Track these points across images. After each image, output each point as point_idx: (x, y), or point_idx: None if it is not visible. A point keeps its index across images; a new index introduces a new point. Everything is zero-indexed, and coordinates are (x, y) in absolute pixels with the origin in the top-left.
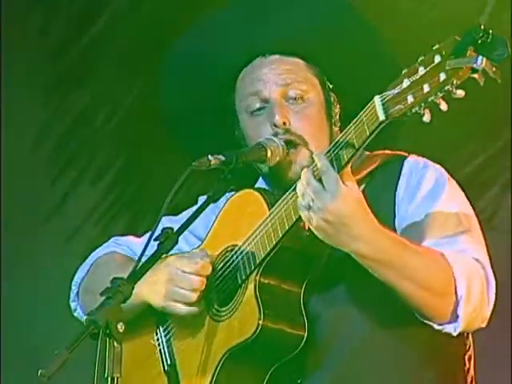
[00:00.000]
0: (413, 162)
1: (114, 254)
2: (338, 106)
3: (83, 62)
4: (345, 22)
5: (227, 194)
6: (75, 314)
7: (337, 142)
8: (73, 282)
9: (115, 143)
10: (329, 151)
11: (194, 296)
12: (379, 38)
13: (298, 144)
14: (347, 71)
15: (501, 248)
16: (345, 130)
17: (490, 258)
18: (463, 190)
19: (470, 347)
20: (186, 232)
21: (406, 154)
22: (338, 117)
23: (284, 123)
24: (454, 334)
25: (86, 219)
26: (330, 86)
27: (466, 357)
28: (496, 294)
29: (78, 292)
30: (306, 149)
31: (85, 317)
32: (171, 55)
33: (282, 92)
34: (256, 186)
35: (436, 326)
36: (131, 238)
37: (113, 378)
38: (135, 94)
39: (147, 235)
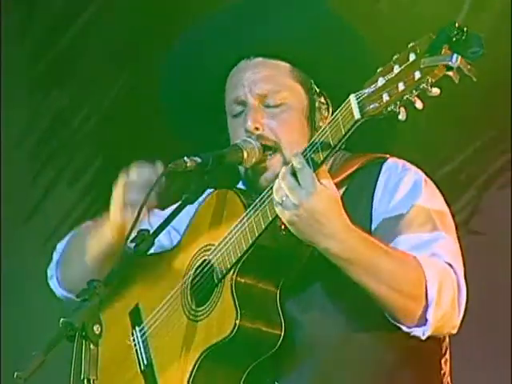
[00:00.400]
0: (392, 164)
1: (90, 223)
2: (326, 110)
3: (64, 62)
4: (330, 27)
5: (209, 190)
6: (49, 282)
7: (313, 142)
8: (54, 251)
9: (93, 144)
10: (305, 150)
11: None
12: (362, 41)
13: (272, 148)
14: (335, 75)
15: (477, 250)
16: (321, 130)
17: (466, 261)
18: (440, 192)
19: (446, 351)
20: (169, 228)
21: (387, 156)
22: (324, 121)
23: (257, 128)
24: (423, 337)
25: (63, 220)
26: (317, 91)
27: (443, 360)
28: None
29: (58, 261)
30: (280, 154)
31: (58, 288)
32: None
33: (259, 97)
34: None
35: (405, 329)
36: None
37: (89, 380)
38: (115, 94)
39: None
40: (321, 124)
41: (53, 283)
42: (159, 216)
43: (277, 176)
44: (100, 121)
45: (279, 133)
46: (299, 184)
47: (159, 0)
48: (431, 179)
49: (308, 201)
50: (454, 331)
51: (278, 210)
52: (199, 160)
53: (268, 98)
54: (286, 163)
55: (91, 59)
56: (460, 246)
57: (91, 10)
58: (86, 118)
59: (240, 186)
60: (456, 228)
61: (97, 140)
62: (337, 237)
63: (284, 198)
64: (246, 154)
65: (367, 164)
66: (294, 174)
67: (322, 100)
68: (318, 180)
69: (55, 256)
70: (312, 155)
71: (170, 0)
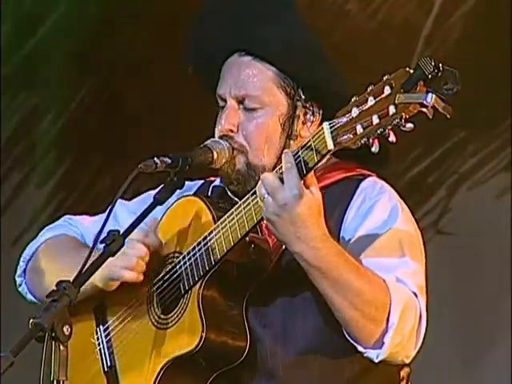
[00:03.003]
0: (368, 184)
1: (64, 237)
2: (312, 115)
3: (32, 64)
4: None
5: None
6: (19, 289)
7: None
8: (21, 258)
9: (61, 146)
10: (297, 152)
11: (139, 262)
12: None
13: (238, 151)
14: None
15: (445, 251)
16: (293, 153)
17: (435, 261)
18: (410, 193)
19: (405, 365)
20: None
21: (366, 174)
22: (304, 129)
23: (231, 130)
24: (376, 360)
25: (31, 222)
26: (303, 97)
27: (402, 372)
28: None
29: (25, 269)
30: (245, 156)
31: (28, 293)
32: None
33: (237, 98)
34: (214, 184)
35: (359, 348)
36: (84, 221)
37: (58, 382)
38: (82, 96)
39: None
40: (301, 132)
41: (22, 290)
42: (125, 208)
43: (238, 171)
44: (67, 123)
45: (250, 137)
46: (283, 183)
47: (124, 1)
48: (399, 180)
49: (290, 202)
50: (408, 361)
51: (260, 204)
52: (169, 161)
53: (246, 101)
54: (247, 163)
55: (58, 62)
56: (425, 248)
57: (59, 11)
58: (53, 120)
59: (217, 182)
60: (425, 229)
61: (64, 142)
62: (311, 243)
63: (266, 196)
64: (215, 155)
65: (345, 180)
66: (278, 173)
67: (308, 106)
68: (305, 184)
69: (22, 264)
70: (304, 157)
71: (134, 1)
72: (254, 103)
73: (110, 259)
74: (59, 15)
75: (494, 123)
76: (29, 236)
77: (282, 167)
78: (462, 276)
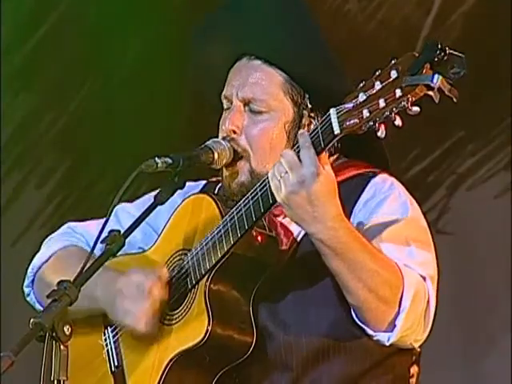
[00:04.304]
0: (379, 181)
1: (74, 249)
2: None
3: (32, 64)
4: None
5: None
6: (28, 299)
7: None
8: (29, 269)
9: (61, 147)
10: (311, 133)
11: (144, 317)
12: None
13: (240, 155)
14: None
15: (445, 250)
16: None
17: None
18: (410, 192)
19: (416, 359)
20: (144, 224)
21: (377, 171)
22: None
23: (234, 132)
24: (387, 343)
25: (31, 223)
26: (309, 106)
27: (412, 368)
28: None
29: (33, 279)
30: (247, 161)
31: (37, 303)
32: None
33: (243, 100)
34: (220, 185)
35: (369, 331)
36: (88, 228)
37: (59, 381)
38: (82, 97)
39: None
40: None
41: (31, 299)
42: (127, 211)
43: (242, 183)
44: (67, 123)
45: (254, 141)
46: (301, 162)
47: (125, 3)
48: (400, 178)
49: (308, 179)
50: (417, 345)
51: (273, 186)
52: (170, 161)
53: (252, 103)
54: (251, 171)
55: (58, 62)
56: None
57: (59, 11)
58: (53, 121)
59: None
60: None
61: (64, 143)
62: (327, 223)
63: (283, 174)
64: (216, 155)
65: (355, 177)
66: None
67: (313, 116)
68: (320, 163)
69: (30, 275)
70: (314, 141)
71: (135, 3)
72: (260, 106)
73: (124, 297)
74: (59, 15)
75: (493, 123)
76: (29, 236)
77: (298, 147)
78: (462, 276)
